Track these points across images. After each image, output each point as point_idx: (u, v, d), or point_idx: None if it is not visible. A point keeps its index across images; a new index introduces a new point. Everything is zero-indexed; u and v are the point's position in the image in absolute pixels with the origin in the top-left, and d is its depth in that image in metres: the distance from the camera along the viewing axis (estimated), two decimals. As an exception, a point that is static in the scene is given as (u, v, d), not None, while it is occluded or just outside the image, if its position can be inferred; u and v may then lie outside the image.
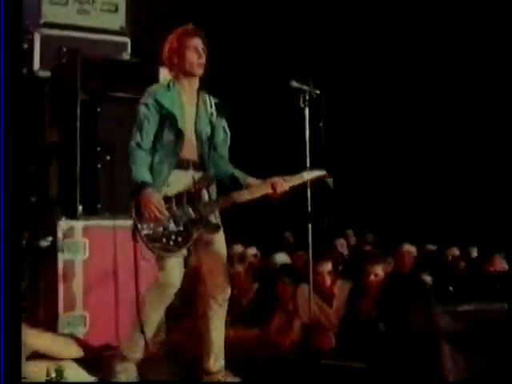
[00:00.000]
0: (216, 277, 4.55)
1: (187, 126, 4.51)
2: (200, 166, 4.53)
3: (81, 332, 5.56)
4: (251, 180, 4.57)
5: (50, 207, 6.15)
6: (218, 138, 4.62)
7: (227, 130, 4.71)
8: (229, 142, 4.73)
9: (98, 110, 5.91)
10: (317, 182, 4.71)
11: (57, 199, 6.14)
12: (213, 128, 4.59)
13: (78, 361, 4.11)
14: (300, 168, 4.76)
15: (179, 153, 4.46)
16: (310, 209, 4.94)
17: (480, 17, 7.98)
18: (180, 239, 4.35)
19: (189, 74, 4.57)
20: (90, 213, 5.82)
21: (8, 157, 3.31)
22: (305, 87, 4.97)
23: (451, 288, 4.38)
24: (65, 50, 6.48)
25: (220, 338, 4.62)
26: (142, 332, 4.43)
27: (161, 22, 7.65)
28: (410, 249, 6.40)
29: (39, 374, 3.85)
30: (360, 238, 8.32)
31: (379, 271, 5.68)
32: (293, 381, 4.66)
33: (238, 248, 7.40)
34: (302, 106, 5.01)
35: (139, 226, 4.32)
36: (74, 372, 3.77)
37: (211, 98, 4.68)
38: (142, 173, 4.34)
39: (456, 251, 7.34)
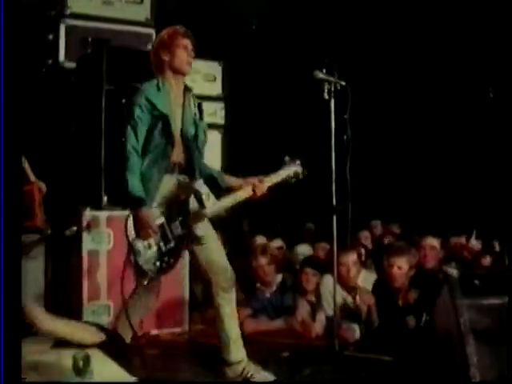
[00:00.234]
0: (217, 264, 4.50)
1: (176, 127, 4.48)
2: (186, 168, 4.50)
3: (105, 321, 5.58)
4: (229, 180, 4.62)
5: (74, 198, 6.18)
6: (200, 138, 4.58)
7: (206, 132, 4.68)
8: (205, 144, 4.67)
9: (123, 100, 5.92)
10: (293, 178, 4.66)
11: (82, 190, 6.17)
12: (197, 128, 4.57)
13: (102, 348, 4.12)
14: (326, 160, 4.77)
15: (170, 156, 4.42)
16: (334, 201, 4.93)
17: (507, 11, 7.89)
18: (172, 260, 4.36)
19: (178, 72, 4.54)
20: (115, 203, 5.85)
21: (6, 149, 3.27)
22: (330, 78, 4.95)
23: (477, 281, 4.33)
24: (90, 40, 6.50)
25: (234, 326, 4.54)
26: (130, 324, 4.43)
27: (185, 13, 7.65)
28: (432, 242, 6.34)
29: (63, 362, 3.86)
30: (386, 229, 8.28)
31: (403, 264, 5.64)
32: (316, 372, 4.65)
33: (261, 239, 7.39)
34: (327, 97, 4.99)
35: (135, 247, 4.29)
36: (99, 360, 3.78)
37: (195, 98, 4.67)
38: (137, 187, 4.26)
39: (478, 244, 7.31)
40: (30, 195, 5.59)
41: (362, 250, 7.01)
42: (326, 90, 4.97)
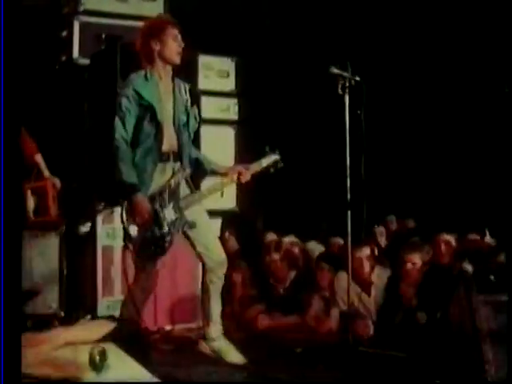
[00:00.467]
0: (213, 252, 4.69)
1: (166, 116, 4.54)
2: (178, 156, 4.59)
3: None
4: (215, 165, 4.82)
5: (89, 193, 6.20)
6: (191, 124, 4.69)
7: (197, 117, 4.80)
8: (196, 128, 4.81)
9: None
10: (272, 167, 4.88)
11: (96, 185, 6.19)
12: (188, 115, 4.66)
13: (117, 343, 4.14)
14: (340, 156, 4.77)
15: (160, 146, 4.51)
16: (349, 196, 4.93)
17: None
18: (166, 244, 4.49)
19: (168, 61, 4.59)
20: (122, 196, 5.84)
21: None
22: (345, 74, 4.94)
23: (492, 277, 4.32)
24: (104, 37, 6.52)
25: (218, 308, 4.79)
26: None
27: (198, 8, 7.65)
28: (448, 238, 6.31)
29: (79, 357, 3.87)
30: (401, 224, 8.26)
31: (417, 260, 5.62)
32: (330, 368, 4.65)
33: (272, 236, 7.38)
34: (341, 92, 4.98)
35: (130, 233, 4.44)
36: (115, 355, 3.79)
37: (185, 84, 4.73)
38: (130, 175, 4.39)
39: (493, 241, 7.26)
40: (43, 191, 5.62)
41: (377, 246, 6.98)
42: (340, 86, 4.96)
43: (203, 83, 7.49)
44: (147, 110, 4.47)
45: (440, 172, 8.75)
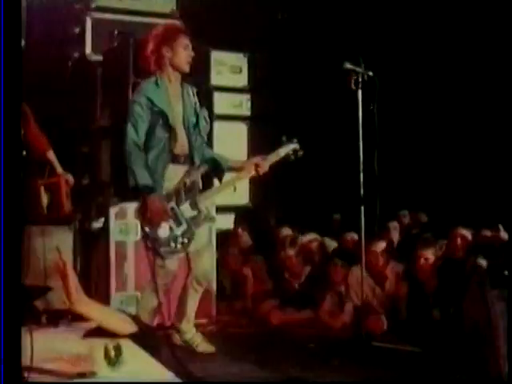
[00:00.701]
0: (204, 262, 4.84)
1: (177, 120, 4.69)
2: (190, 157, 4.72)
3: (132, 312, 5.61)
4: (233, 162, 4.92)
5: (102, 189, 6.22)
6: (201, 125, 4.79)
7: (207, 119, 4.90)
8: (208, 129, 4.95)
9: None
10: (292, 155, 4.89)
11: (109, 181, 6.21)
12: (197, 117, 4.78)
13: (132, 338, 4.15)
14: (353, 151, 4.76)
15: (173, 149, 4.65)
16: (362, 191, 4.92)
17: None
18: (186, 240, 4.63)
19: (177, 69, 4.72)
20: (137, 197, 5.86)
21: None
22: (358, 69, 4.93)
23: (506, 272, 4.30)
24: (116, 33, 6.53)
25: (194, 306, 4.96)
26: None
27: (212, 4, 7.64)
28: (464, 232, 6.28)
29: (94, 352, 3.88)
30: (414, 219, 8.23)
31: (430, 255, 5.62)
32: (344, 363, 4.64)
33: (287, 231, 7.37)
34: (354, 88, 4.98)
35: (149, 231, 4.59)
36: (130, 350, 3.80)
37: (193, 87, 4.85)
38: (143, 177, 4.53)
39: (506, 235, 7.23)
40: (56, 187, 5.64)
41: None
42: (353, 81, 4.96)
43: (216, 79, 7.50)
44: (159, 116, 4.62)
45: (453, 167, 8.71)
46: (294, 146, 4.90)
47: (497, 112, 8.33)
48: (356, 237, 6.33)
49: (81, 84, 6.68)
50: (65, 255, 5.76)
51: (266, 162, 4.81)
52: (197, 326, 5.39)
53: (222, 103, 7.52)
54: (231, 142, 7.29)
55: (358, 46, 5.08)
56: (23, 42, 3.54)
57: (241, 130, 7.67)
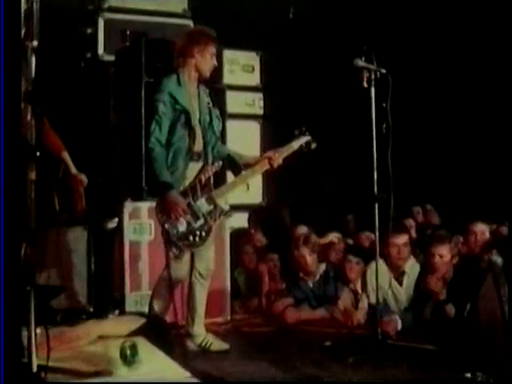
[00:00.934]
0: (206, 261, 4.91)
1: (195, 119, 4.82)
2: (205, 154, 4.85)
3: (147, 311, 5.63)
4: (247, 158, 5.02)
5: (115, 189, 6.23)
6: (215, 124, 4.93)
7: (219, 117, 5.05)
8: (221, 128, 5.09)
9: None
10: (306, 147, 4.98)
11: (122, 181, 6.22)
12: (211, 116, 4.91)
13: (146, 337, 4.17)
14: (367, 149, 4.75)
15: (193, 147, 4.78)
16: (376, 189, 4.91)
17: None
18: (203, 234, 4.75)
19: (199, 73, 4.85)
20: (156, 194, 5.87)
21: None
22: (370, 66, 4.92)
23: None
24: (128, 33, 6.55)
25: (203, 304, 5.00)
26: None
27: (224, 2, 7.65)
28: (483, 228, 6.21)
29: (110, 352, 3.90)
30: (427, 216, 8.20)
31: (445, 252, 5.60)
32: (360, 361, 4.63)
33: (302, 230, 7.36)
34: (367, 85, 4.96)
35: (167, 227, 4.70)
36: (145, 348, 3.82)
37: (205, 88, 4.99)
38: (164, 174, 4.67)
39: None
40: (70, 187, 5.66)
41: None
42: (365, 79, 4.94)
43: (228, 78, 7.48)
44: (181, 114, 4.74)
45: (468, 164, 8.67)
46: (306, 138, 4.99)
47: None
48: (372, 235, 6.30)
49: (93, 84, 6.70)
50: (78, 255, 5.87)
51: (279, 155, 4.92)
52: (211, 324, 5.42)
53: (234, 102, 7.50)
54: (244, 140, 7.25)
55: (370, 44, 5.04)
56: (36, 43, 3.52)
57: (253, 129, 7.66)
